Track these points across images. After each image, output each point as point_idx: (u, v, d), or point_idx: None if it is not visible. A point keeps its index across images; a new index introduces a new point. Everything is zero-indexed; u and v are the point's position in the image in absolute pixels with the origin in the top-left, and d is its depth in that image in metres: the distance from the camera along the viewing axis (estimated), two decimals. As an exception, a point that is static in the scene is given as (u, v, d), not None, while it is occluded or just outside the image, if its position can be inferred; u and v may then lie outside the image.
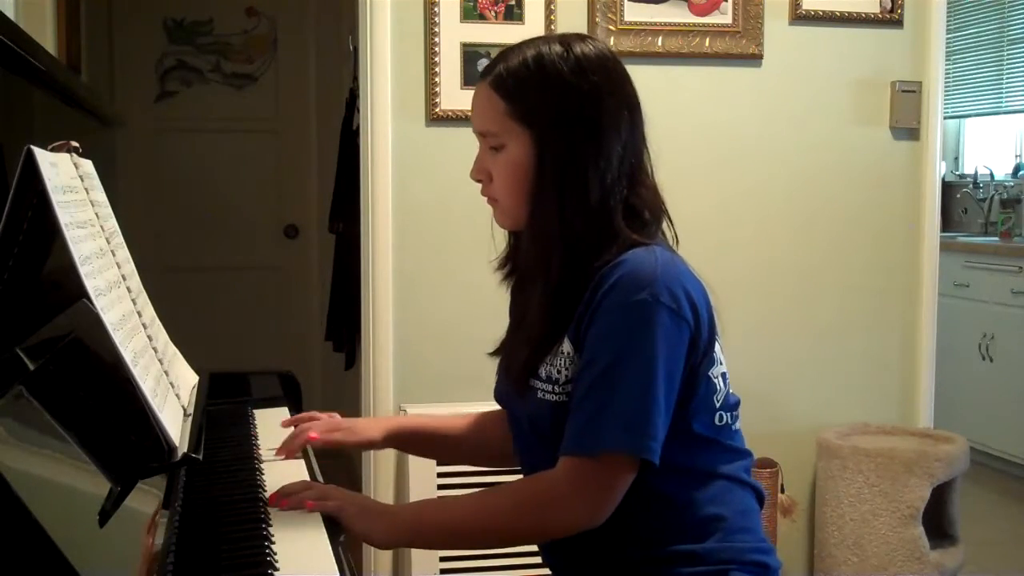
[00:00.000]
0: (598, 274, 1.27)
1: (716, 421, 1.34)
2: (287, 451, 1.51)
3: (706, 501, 1.33)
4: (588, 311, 1.27)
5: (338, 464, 3.08)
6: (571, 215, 1.30)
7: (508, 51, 1.35)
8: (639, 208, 1.33)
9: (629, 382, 1.23)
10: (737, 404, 1.38)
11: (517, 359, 1.36)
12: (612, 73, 1.34)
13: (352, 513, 1.27)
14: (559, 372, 1.31)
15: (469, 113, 1.42)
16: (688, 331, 1.26)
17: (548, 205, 1.31)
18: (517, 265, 1.44)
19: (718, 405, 1.34)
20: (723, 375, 1.35)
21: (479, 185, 1.39)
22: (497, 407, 1.57)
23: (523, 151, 1.31)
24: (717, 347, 1.34)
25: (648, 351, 1.23)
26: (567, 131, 1.30)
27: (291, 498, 1.26)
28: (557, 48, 1.32)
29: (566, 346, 1.30)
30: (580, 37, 1.36)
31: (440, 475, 2.55)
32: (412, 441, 1.63)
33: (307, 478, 1.42)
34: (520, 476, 1.41)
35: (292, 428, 1.57)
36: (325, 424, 1.56)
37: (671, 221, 1.39)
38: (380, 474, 2.69)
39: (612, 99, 1.32)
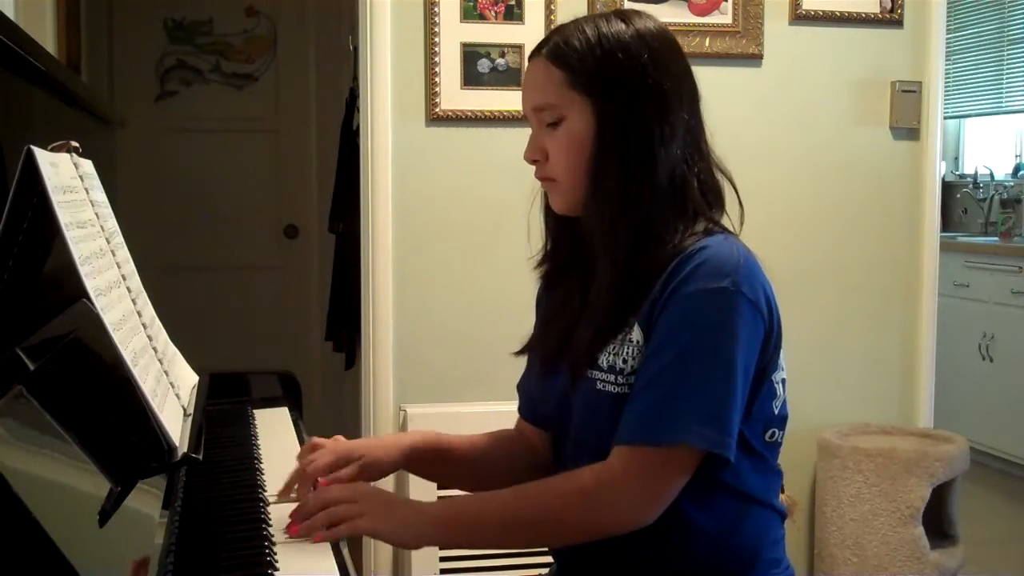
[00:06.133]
0: (676, 259, 1.20)
1: (768, 437, 1.27)
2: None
3: (744, 536, 1.26)
4: (663, 296, 1.18)
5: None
6: (637, 187, 1.22)
7: (563, 26, 1.29)
8: (706, 184, 1.28)
9: (706, 371, 1.15)
10: (786, 419, 1.31)
11: (577, 344, 1.26)
12: (672, 44, 1.29)
13: (368, 520, 1.16)
14: (625, 362, 1.21)
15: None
16: (763, 328, 1.20)
17: (611, 177, 1.22)
18: (555, 260, 1.36)
19: (776, 412, 1.27)
20: (783, 381, 1.29)
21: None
22: (503, 427, 1.48)
23: (583, 121, 1.24)
24: (780, 351, 1.27)
25: (728, 340, 1.16)
26: (629, 96, 1.23)
27: (303, 525, 1.16)
28: (615, 19, 1.27)
29: (635, 334, 1.21)
30: (637, 12, 1.30)
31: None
32: (428, 459, 1.43)
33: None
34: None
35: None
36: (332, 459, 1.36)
37: (740, 200, 1.34)
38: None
39: (675, 66, 1.27)
